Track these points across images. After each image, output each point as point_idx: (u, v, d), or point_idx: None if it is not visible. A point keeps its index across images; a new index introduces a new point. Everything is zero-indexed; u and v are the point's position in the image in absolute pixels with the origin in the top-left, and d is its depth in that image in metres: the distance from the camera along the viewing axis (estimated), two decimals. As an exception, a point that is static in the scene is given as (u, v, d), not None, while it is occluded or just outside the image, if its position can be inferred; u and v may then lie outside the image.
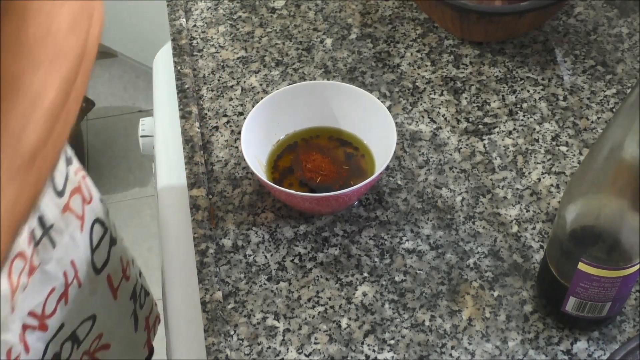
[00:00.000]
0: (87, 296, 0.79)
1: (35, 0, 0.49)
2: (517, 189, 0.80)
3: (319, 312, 0.72)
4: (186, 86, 0.90)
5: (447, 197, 0.79)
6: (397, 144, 0.81)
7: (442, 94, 0.89)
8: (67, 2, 0.51)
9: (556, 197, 0.79)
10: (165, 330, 0.76)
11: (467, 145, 0.84)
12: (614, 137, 0.56)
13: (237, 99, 0.90)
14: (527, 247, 0.75)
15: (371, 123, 0.80)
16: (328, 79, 0.91)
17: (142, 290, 0.94)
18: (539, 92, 0.89)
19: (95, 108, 2.15)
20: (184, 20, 0.98)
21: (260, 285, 0.74)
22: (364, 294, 0.73)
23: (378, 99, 0.83)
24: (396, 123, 0.81)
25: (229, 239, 0.77)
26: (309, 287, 0.73)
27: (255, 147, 0.79)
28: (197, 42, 0.96)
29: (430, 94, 0.89)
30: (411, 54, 0.93)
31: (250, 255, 0.76)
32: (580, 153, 0.82)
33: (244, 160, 0.76)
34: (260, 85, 0.91)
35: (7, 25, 0.49)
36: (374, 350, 0.69)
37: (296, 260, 0.75)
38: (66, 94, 0.51)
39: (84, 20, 0.53)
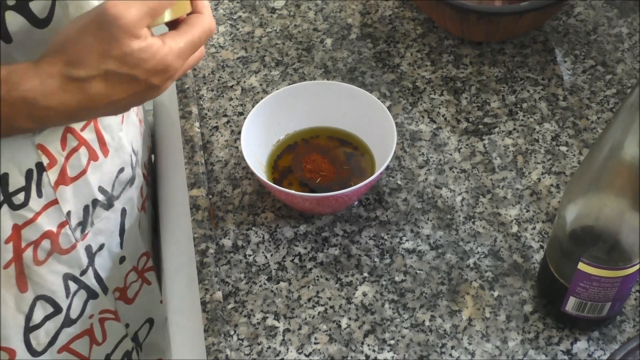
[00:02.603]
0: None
1: None
2: (517, 189, 0.80)
3: (319, 312, 0.72)
4: (186, 86, 0.90)
5: (447, 197, 0.79)
6: (397, 144, 0.81)
7: (442, 94, 0.89)
8: None
9: (556, 197, 0.79)
10: (165, 331, 0.76)
11: (467, 145, 0.84)
12: (614, 137, 0.56)
13: (237, 99, 0.90)
14: (527, 247, 0.75)
15: (371, 123, 0.80)
16: (328, 79, 0.91)
17: None
18: (539, 92, 0.89)
19: (95, 108, 2.14)
20: (184, 20, 0.98)
21: (260, 285, 0.74)
22: (364, 294, 0.73)
23: (378, 99, 0.83)
24: (396, 123, 0.81)
25: (229, 239, 0.77)
26: (309, 287, 0.73)
27: (255, 147, 0.79)
28: (197, 42, 0.96)
29: (430, 94, 0.89)
30: (411, 54, 0.93)
31: (250, 255, 0.76)
32: (580, 153, 0.82)
33: (244, 160, 0.76)
34: (260, 85, 0.91)
35: None
36: (374, 350, 0.69)
37: (296, 260, 0.75)
38: None
39: None
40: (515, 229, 0.76)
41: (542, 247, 0.75)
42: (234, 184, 0.82)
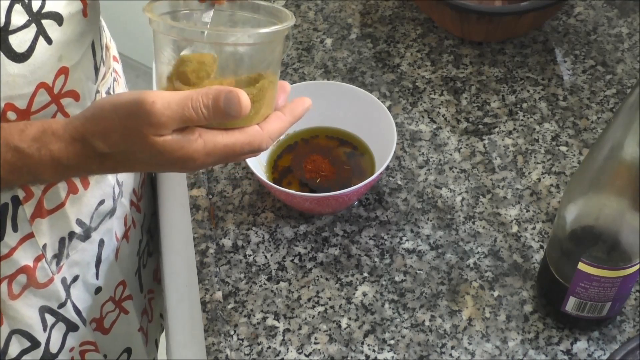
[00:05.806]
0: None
1: None
2: (517, 189, 0.80)
3: (319, 312, 0.72)
4: (186, 86, 0.90)
5: (447, 197, 0.79)
6: (397, 144, 0.81)
7: (442, 94, 0.89)
8: None
9: (556, 197, 0.79)
10: (165, 330, 0.76)
11: (467, 145, 0.84)
12: (614, 137, 0.56)
13: (237, 99, 0.89)
14: (527, 247, 0.75)
15: (371, 123, 0.80)
16: (328, 79, 0.91)
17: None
18: (539, 92, 0.89)
19: (95, 108, 2.14)
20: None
21: (260, 285, 0.74)
22: (364, 294, 0.73)
23: (378, 99, 0.83)
24: (396, 123, 0.81)
25: (229, 239, 0.77)
26: (309, 287, 0.73)
27: (255, 147, 0.79)
28: (197, 42, 0.96)
29: (430, 94, 0.89)
30: (411, 54, 0.93)
31: (250, 255, 0.76)
32: (580, 153, 0.82)
33: (244, 160, 0.76)
34: (260, 85, 0.91)
35: None
36: (374, 350, 0.69)
37: (296, 260, 0.75)
38: None
39: None
40: (515, 229, 0.76)
41: (542, 247, 0.75)
42: (234, 184, 0.82)
